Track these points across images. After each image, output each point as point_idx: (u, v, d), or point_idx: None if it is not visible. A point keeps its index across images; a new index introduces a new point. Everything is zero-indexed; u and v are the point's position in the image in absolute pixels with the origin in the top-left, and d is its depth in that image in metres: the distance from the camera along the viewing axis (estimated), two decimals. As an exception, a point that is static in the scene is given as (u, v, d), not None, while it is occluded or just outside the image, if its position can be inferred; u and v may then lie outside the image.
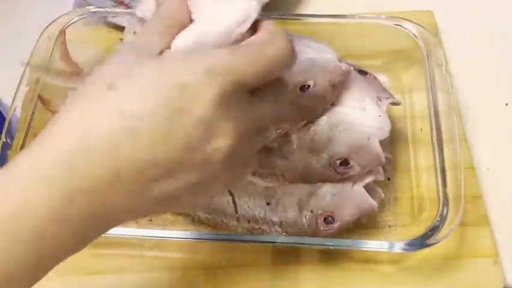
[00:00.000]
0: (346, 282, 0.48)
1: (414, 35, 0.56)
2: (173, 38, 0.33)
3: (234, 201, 0.48)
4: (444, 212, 0.45)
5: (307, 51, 0.52)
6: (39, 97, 0.53)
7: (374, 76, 0.53)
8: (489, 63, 0.63)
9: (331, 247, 0.46)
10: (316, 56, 0.51)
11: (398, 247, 0.44)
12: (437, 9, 0.66)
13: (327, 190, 0.47)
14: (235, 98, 0.31)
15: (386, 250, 0.45)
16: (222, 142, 0.30)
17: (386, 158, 0.52)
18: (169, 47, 0.33)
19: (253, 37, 0.35)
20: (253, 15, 0.37)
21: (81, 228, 0.30)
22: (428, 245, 0.44)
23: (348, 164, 0.47)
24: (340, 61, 0.51)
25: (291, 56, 0.33)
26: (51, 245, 0.29)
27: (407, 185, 0.53)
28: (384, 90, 0.52)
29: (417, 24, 0.56)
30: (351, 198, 0.47)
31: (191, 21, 0.35)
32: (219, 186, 0.34)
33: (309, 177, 0.48)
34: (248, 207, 0.48)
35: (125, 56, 0.31)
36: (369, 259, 0.49)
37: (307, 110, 0.48)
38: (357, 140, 0.48)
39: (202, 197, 0.35)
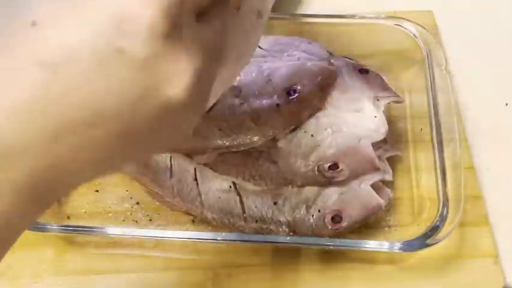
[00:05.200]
0: (346, 282, 0.48)
1: (414, 35, 0.56)
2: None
3: (241, 201, 0.48)
4: (444, 212, 0.45)
5: (296, 54, 0.52)
6: None
7: (376, 74, 0.53)
8: (489, 63, 0.63)
9: (331, 247, 0.46)
10: (305, 59, 0.52)
11: (398, 247, 0.44)
12: (437, 9, 0.66)
13: (334, 189, 0.47)
14: (183, 24, 0.24)
15: (386, 250, 0.45)
16: (179, 83, 0.24)
17: (396, 155, 0.52)
18: None
19: None
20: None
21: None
22: (428, 245, 0.44)
23: (338, 167, 0.47)
24: (331, 62, 0.52)
25: None
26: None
27: (407, 185, 0.53)
28: (384, 88, 0.52)
29: (417, 24, 0.56)
30: (358, 197, 0.47)
31: None
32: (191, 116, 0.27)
33: (298, 181, 0.48)
34: (255, 207, 0.48)
35: None
36: (369, 259, 0.49)
37: (295, 114, 0.48)
38: (346, 143, 0.48)
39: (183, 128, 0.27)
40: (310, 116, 0.49)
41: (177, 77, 0.24)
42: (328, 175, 0.47)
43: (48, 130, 0.22)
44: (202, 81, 0.25)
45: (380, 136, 0.49)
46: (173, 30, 0.23)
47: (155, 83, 0.23)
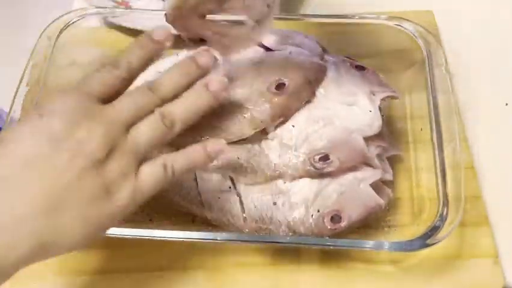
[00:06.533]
0: (346, 282, 0.48)
1: (414, 35, 0.56)
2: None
3: (241, 201, 0.48)
4: (444, 212, 0.45)
5: (288, 48, 0.52)
6: None
7: (373, 71, 0.53)
8: (489, 63, 0.63)
9: (331, 247, 0.46)
10: (296, 53, 0.51)
11: (398, 247, 0.44)
12: (437, 9, 0.66)
13: (333, 189, 0.47)
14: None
15: (386, 250, 0.45)
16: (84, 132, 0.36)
17: (396, 155, 0.52)
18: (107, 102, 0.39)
19: None
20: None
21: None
22: (428, 245, 0.44)
23: (328, 159, 0.47)
24: (324, 57, 0.52)
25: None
26: None
27: (407, 185, 0.53)
28: (381, 84, 0.52)
29: (417, 24, 0.56)
30: (357, 196, 0.47)
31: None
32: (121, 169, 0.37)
33: (289, 174, 0.47)
34: (255, 207, 0.48)
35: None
36: (369, 259, 0.49)
37: (283, 106, 0.48)
38: (337, 135, 0.48)
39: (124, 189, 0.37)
40: (298, 108, 0.49)
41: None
42: (318, 166, 0.46)
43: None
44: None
45: (373, 130, 0.48)
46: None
47: None
